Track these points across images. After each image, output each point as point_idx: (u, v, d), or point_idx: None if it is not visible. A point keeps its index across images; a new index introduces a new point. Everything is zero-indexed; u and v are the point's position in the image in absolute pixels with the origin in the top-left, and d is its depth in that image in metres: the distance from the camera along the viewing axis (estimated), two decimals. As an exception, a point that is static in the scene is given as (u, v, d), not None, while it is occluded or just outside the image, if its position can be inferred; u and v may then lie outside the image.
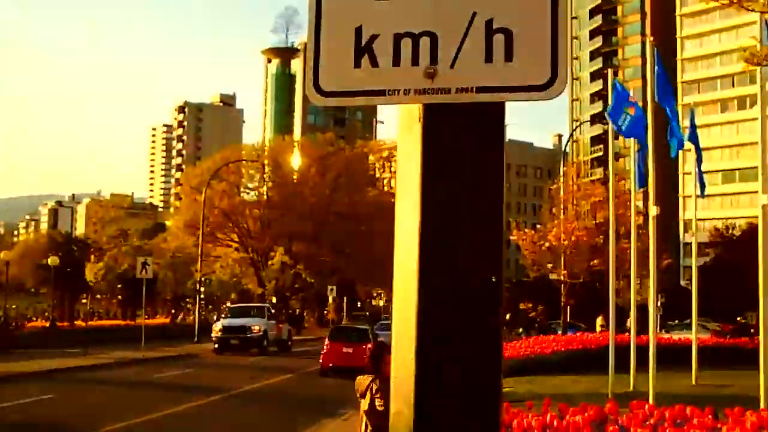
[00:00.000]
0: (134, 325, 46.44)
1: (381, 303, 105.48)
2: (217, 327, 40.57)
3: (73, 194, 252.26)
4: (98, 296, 72.80)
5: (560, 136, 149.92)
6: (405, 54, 2.51)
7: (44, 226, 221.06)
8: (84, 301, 68.29)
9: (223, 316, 44.64)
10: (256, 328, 39.45)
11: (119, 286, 57.10)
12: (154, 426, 16.36)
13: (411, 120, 2.54)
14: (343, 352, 26.19)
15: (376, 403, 7.52)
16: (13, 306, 57.67)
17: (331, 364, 26.58)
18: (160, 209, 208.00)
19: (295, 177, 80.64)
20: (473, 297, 2.43)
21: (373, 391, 7.56)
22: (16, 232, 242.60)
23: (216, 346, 38.85)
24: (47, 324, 45.67)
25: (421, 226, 2.45)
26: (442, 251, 2.44)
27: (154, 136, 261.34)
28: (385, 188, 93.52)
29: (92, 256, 42.38)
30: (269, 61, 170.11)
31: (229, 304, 55.81)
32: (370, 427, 7.68)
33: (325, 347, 28.05)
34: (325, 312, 79.80)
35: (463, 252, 2.44)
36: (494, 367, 2.48)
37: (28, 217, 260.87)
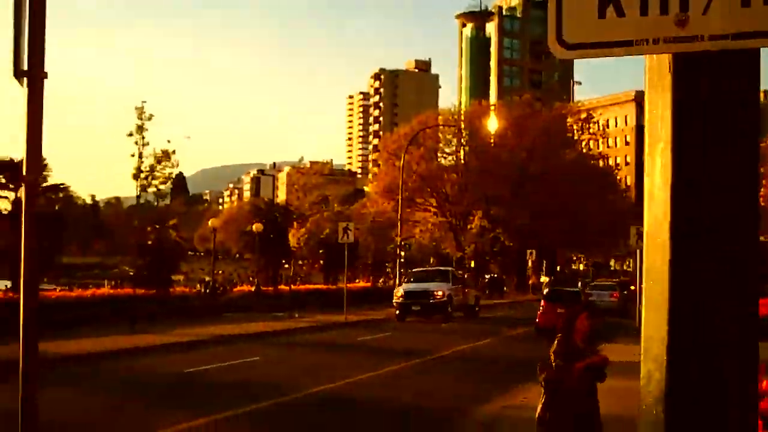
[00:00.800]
0: (336, 290, 47.74)
1: (581, 267, 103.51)
2: (398, 292, 39.29)
3: (274, 162, 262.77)
4: (300, 261, 75.74)
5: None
6: (653, 1, 2.42)
7: (247, 194, 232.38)
8: (286, 266, 71.28)
9: (405, 280, 43.20)
10: (439, 293, 37.77)
11: (321, 251, 59.08)
12: (357, 388, 16.79)
13: (660, 72, 2.45)
14: (557, 313, 26.68)
15: (552, 360, 7.44)
16: (220, 271, 61.02)
17: (544, 324, 27.77)
18: (359, 175, 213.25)
19: (491, 141, 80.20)
20: (730, 256, 2.34)
21: (552, 350, 7.48)
22: (220, 200, 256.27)
23: (397, 312, 38.03)
24: (252, 289, 47.83)
25: (673, 185, 2.37)
26: (696, 208, 2.35)
27: (351, 104, 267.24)
28: (584, 150, 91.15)
29: (295, 223, 44.20)
30: (464, 25, 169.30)
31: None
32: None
33: (540, 308, 30.69)
34: (529, 275, 79.19)
35: (720, 210, 2.34)
36: (750, 326, 2.38)
37: (231, 185, 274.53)
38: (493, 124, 68.34)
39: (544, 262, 78.38)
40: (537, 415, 7.61)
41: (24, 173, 4.83)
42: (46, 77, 4.91)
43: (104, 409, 13.80)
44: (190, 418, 12.46)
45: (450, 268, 46.02)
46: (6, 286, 34.04)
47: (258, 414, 13.37)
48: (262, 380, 18.02)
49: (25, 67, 4.88)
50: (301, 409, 14.17)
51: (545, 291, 38.21)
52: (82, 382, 16.59)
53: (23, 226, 4.84)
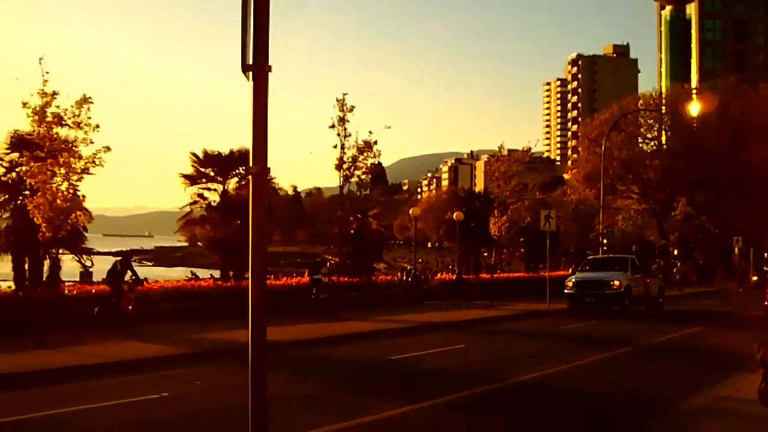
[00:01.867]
0: (537, 278, 47.26)
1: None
2: (569, 282, 35.88)
3: (472, 151, 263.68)
4: (501, 250, 75.52)
5: None
6: None
7: (445, 183, 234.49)
8: (485, 254, 71.11)
9: (579, 269, 39.75)
10: (616, 283, 34.32)
11: (521, 239, 58.67)
12: (565, 377, 16.58)
13: None
14: None
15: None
16: (419, 260, 61.93)
17: None
18: (557, 163, 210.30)
19: (694, 125, 77.06)
20: None
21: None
22: (419, 189, 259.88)
23: (568, 304, 35.09)
24: (453, 277, 48.15)
25: None
26: None
27: (548, 91, 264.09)
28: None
29: (495, 210, 44.09)
30: (662, 7, 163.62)
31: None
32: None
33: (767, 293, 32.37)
34: (735, 263, 75.33)
35: None
36: None
37: (429, 174, 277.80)
38: (695, 108, 65.54)
39: (751, 249, 74.29)
40: (758, 393, 7.53)
41: (251, 165, 5.05)
42: (271, 71, 5.11)
43: (310, 394, 14.29)
44: (397, 405, 12.69)
45: (630, 256, 42.11)
46: (211, 275, 36.08)
47: (464, 402, 13.43)
48: (466, 368, 18.16)
49: (251, 62, 5.10)
50: (508, 397, 14.13)
51: None
52: (290, 367, 17.26)
53: (251, 215, 5.06)
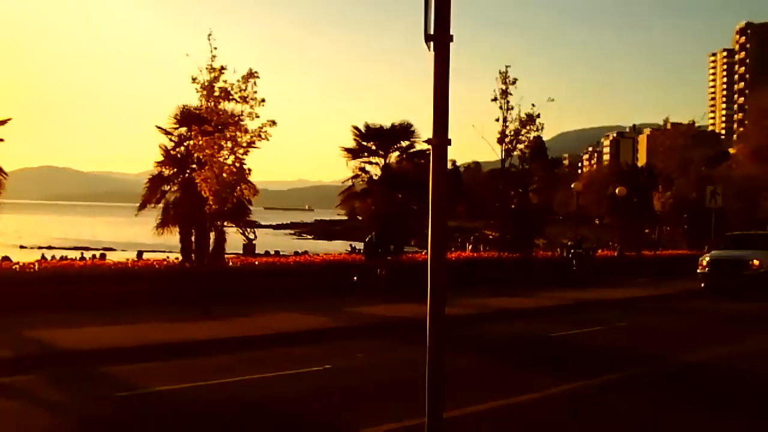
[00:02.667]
0: (700, 256, 45.54)
1: None
2: (703, 261, 32.68)
3: (634, 125, 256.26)
4: (663, 226, 73.17)
5: None
6: None
7: (606, 158, 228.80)
8: (646, 230, 68.98)
9: (717, 246, 35.46)
10: (755, 262, 30.74)
11: (684, 215, 56.64)
12: (731, 359, 15.98)
13: None
14: None
15: None
16: (579, 236, 60.63)
17: None
18: (722, 137, 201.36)
19: None
20: None
21: None
22: (579, 164, 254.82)
23: (702, 285, 32.03)
24: (614, 254, 47.02)
25: None
26: None
27: (714, 62, 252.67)
28: None
29: (660, 186, 42.69)
30: None
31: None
32: None
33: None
34: None
35: None
36: None
37: (590, 148, 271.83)
38: None
39: None
40: None
41: (432, 136, 5.01)
42: (452, 40, 5.03)
43: (470, 369, 14.23)
44: (556, 383, 12.58)
45: None
46: (350, 246, 36.51)
47: (625, 381, 13.17)
48: (629, 347, 17.87)
49: (432, 31, 5.04)
50: (677, 378, 13.72)
51: None
52: (452, 343, 17.28)
53: (432, 187, 5.02)
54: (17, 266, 21.92)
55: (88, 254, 44.80)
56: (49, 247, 75.79)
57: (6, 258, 32.54)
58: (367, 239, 27.25)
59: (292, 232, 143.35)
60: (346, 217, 34.56)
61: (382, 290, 25.37)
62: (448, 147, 5.04)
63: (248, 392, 12.14)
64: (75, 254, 45.10)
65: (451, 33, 5.07)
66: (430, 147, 5.28)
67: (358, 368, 14.60)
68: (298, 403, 11.48)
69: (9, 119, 22.71)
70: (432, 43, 5.06)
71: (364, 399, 11.79)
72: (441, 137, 4.99)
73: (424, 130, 29.10)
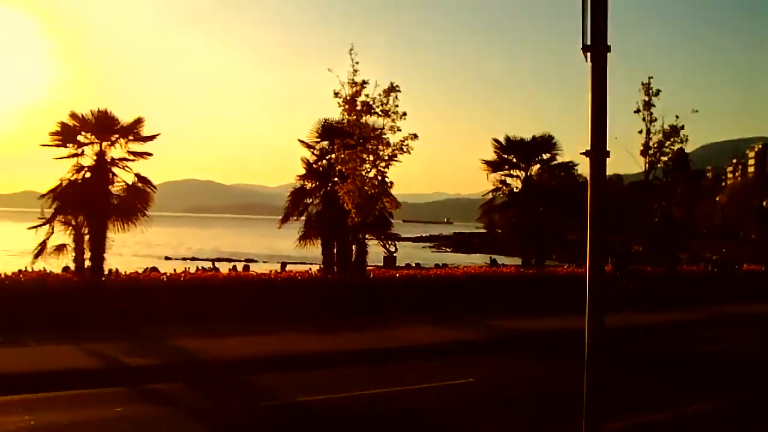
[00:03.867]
0: None
1: None
2: None
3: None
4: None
5: None
6: None
7: (751, 169, 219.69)
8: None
9: None
10: None
11: None
12: None
13: None
14: None
15: None
16: (723, 249, 58.47)
17: None
18: None
19: None
20: None
21: None
22: (723, 176, 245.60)
23: None
24: (762, 268, 45.02)
25: None
26: None
27: None
28: None
29: None
30: None
31: None
32: None
33: None
34: None
35: None
36: None
37: (734, 160, 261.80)
38: None
39: None
40: None
41: (589, 148, 4.99)
42: (609, 51, 5.01)
43: (624, 381, 13.94)
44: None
45: None
46: (490, 259, 36.27)
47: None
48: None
49: (589, 42, 5.03)
50: None
51: None
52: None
53: (590, 201, 5.00)
54: (164, 277, 22.81)
55: (230, 266, 46.16)
56: (193, 259, 78.40)
57: (154, 269, 33.87)
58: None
59: (431, 244, 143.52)
60: (484, 230, 34.34)
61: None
62: (603, 160, 5.01)
63: (392, 404, 12.26)
64: (219, 266, 46.55)
65: (608, 44, 5.05)
66: (572, 160, 5.27)
67: (501, 382, 14.54)
68: (444, 415, 11.54)
69: (157, 134, 23.75)
70: (589, 54, 5.05)
71: (504, 413, 11.74)
72: (599, 149, 4.96)
73: (566, 142, 28.75)
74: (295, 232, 25.91)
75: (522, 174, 29.64)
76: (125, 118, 23.54)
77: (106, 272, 22.88)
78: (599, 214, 4.94)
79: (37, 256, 23.10)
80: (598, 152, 4.95)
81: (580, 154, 4.82)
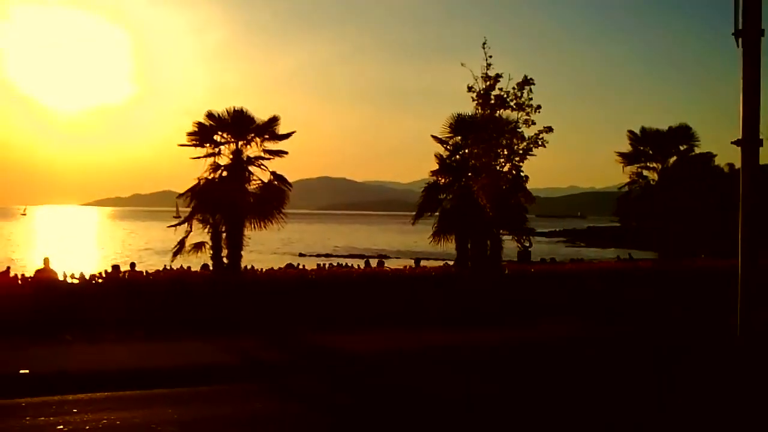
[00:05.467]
0: None
1: None
2: None
3: None
4: None
5: None
6: None
7: None
8: None
9: None
10: None
11: None
12: None
13: None
14: None
15: None
16: None
17: None
18: None
19: None
20: None
21: None
22: None
23: None
24: None
25: None
26: None
27: None
28: None
29: None
30: None
31: None
32: None
33: None
34: None
35: None
36: None
37: None
38: None
39: None
40: None
41: (741, 137, 4.82)
42: (763, 35, 4.83)
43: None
44: None
45: None
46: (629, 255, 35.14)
47: None
48: None
49: (741, 27, 4.86)
50: None
51: None
52: None
53: (741, 191, 4.83)
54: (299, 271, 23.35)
55: (363, 262, 46.68)
56: (327, 255, 79.80)
57: (290, 266, 34.68)
58: None
59: (565, 239, 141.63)
60: (618, 224, 33.48)
61: None
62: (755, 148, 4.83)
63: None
64: (352, 262, 47.18)
65: (762, 28, 4.86)
66: (710, 151, 5.09)
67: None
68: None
69: (293, 132, 24.21)
70: (740, 39, 4.88)
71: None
72: (752, 138, 4.79)
73: (703, 133, 27.71)
74: (428, 228, 25.98)
75: (658, 166, 28.77)
76: (260, 116, 24.11)
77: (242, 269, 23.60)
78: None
79: (176, 254, 23.93)
80: (750, 141, 4.79)
81: (731, 143, 4.66)
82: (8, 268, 21.05)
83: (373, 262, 41.74)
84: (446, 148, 25.63)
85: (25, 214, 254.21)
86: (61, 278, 21.62)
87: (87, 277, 21.55)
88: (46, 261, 24.44)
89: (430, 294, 22.72)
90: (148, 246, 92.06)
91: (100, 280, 20.98)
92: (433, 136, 25.81)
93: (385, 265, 34.88)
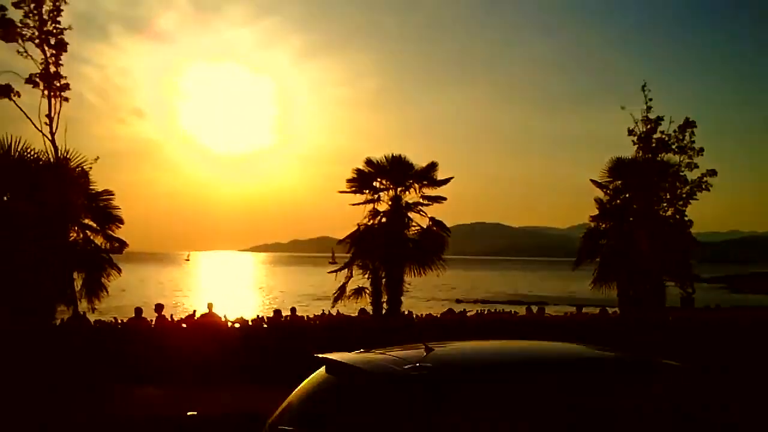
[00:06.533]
0: None
1: None
2: None
3: None
4: None
5: None
6: None
7: None
8: None
9: None
10: None
11: None
12: None
13: None
14: None
15: None
16: None
17: None
18: None
19: None
20: None
21: None
22: None
23: None
24: None
25: None
26: None
27: None
28: None
29: None
30: None
31: None
32: None
33: None
34: None
35: None
36: None
37: None
38: None
39: None
40: None
41: None
42: None
43: None
44: None
45: None
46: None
47: None
48: None
49: None
50: None
51: None
52: None
53: None
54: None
55: (522, 308, 46.33)
56: (485, 301, 79.56)
57: (450, 311, 34.96)
58: None
59: (727, 285, 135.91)
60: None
61: None
62: None
63: None
64: (511, 308, 46.93)
65: None
66: None
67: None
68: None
69: (451, 178, 24.67)
70: None
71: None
72: None
73: None
74: (586, 274, 25.74)
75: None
76: (418, 162, 24.67)
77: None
78: None
79: (336, 299, 24.67)
80: None
81: None
82: (139, 309, 22.38)
83: (533, 309, 41.47)
84: (606, 193, 25.46)
85: (188, 260, 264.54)
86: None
87: (250, 321, 22.43)
88: (209, 306, 25.59)
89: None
90: (306, 291, 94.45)
91: (265, 325, 21.78)
92: (592, 181, 25.70)
93: (546, 311, 34.67)
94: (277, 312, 28.19)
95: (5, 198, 20.49)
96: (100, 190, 22.16)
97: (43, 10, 22.98)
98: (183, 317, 23.34)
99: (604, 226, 25.44)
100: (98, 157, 22.09)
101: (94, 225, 22.07)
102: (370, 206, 24.91)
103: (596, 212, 25.50)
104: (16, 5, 22.73)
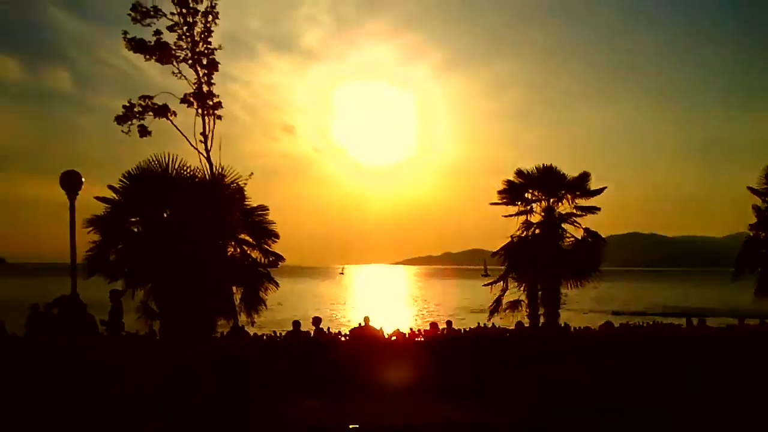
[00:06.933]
0: None
1: None
2: None
3: None
4: None
5: None
6: None
7: None
8: None
9: None
10: None
11: None
12: None
13: None
14: None
15: None
16: None
17: None
18: None
19: None
20: None
21: None
22: None
23: None
24: None
25: None
26: None
27: None
28: None
29: None
30: None
31: None
32: None
33: None
34: None
35: None
36: None
37: None
38: None
39: None
40: None
41: None
42: None
43: None
44: None
45: None
46: None
47: None
48: None
49: None
50: None
51: None
52: None
53: None
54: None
55: (682, 320, 45.10)
56: (643, 313, 77.47)
57: (608, 323, 34.41)
58: None
59: None
60: None
61: None
62: None
63: None
64: (671, 320, 45.72)
65: None
66: None
67: None
68: None
69: (604, 188, 24.50)
70: None
71: None
72: None
73: None
74: (746, 284, 25.04)
75: None
76: (569, 172, 24.57)
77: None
78: None
79: (493, 312, 24.79)
80: None
81: None
82: (297, 322, 22.85)
83: (693, 321, 40.36)
84: (764, 200, 24.80)
85: (343, 273, 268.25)
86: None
87: (406, 334, 22.80)
88: (366, 319, 26.16)
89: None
90: (461, 304, 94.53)
91: (421, 338, 22.08)
92: (749, 188, 25.08)
93: (706, 323, 33.74)
94: (434, 325, 28.65)
95: (165, 215, 21.21)
96: (254, 205, 22.61)
97: (195, 31, 23.94)
98: (346, 330, 23.92)
99: (763, 234, 24.74)
100: (252, 173, 22.49)
101: (251, 240, 22.48)
102: (522, 218, 25.00)
103: (754, 220, 24.84)
104: (170, 29, 23.78)
